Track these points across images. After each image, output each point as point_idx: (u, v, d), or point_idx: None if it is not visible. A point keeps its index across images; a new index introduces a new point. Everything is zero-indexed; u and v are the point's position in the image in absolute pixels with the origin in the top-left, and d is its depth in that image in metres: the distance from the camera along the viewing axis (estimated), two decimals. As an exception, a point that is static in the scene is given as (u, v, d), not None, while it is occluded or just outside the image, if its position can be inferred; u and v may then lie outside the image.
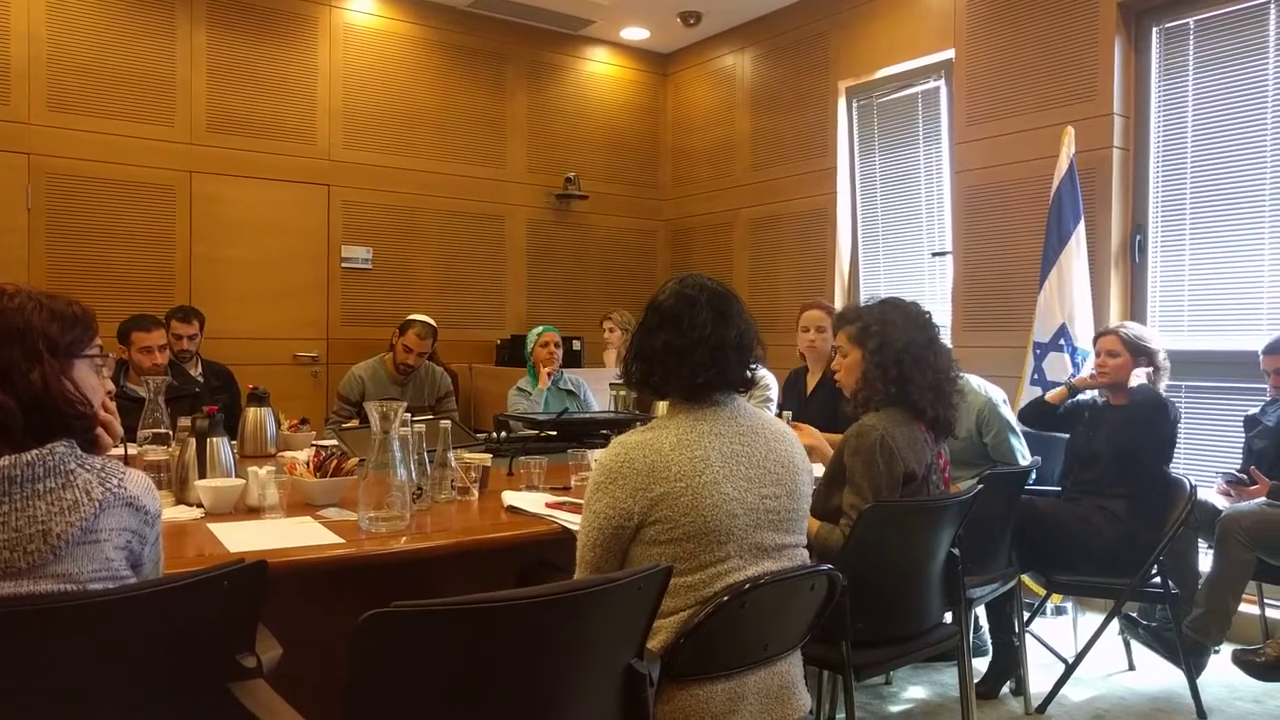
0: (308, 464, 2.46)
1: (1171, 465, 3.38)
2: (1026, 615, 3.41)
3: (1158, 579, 3.13)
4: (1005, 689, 3.30)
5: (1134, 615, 3.51)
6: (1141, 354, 3.39)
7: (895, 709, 3.26)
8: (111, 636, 1.30)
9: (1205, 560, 3.35)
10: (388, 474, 2.10)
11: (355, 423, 4.01)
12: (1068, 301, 4.18)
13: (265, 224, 5.59)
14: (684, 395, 1.83)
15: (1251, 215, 4.06)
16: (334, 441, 3.17)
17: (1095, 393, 3.57)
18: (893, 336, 2.48)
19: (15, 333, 1.36)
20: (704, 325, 1.81)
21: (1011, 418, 3.52)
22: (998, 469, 3.37)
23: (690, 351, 1.80)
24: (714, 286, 1.88)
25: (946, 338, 3.98)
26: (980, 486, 2.56)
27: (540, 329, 4.69)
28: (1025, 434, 3.59)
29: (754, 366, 1.89)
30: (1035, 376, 4.25)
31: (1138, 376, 3.43)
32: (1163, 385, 3.44)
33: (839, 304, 5.60)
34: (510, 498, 2.47)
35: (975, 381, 3.52)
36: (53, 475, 1.33)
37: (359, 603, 1.30)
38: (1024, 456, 3.45)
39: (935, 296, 5.22)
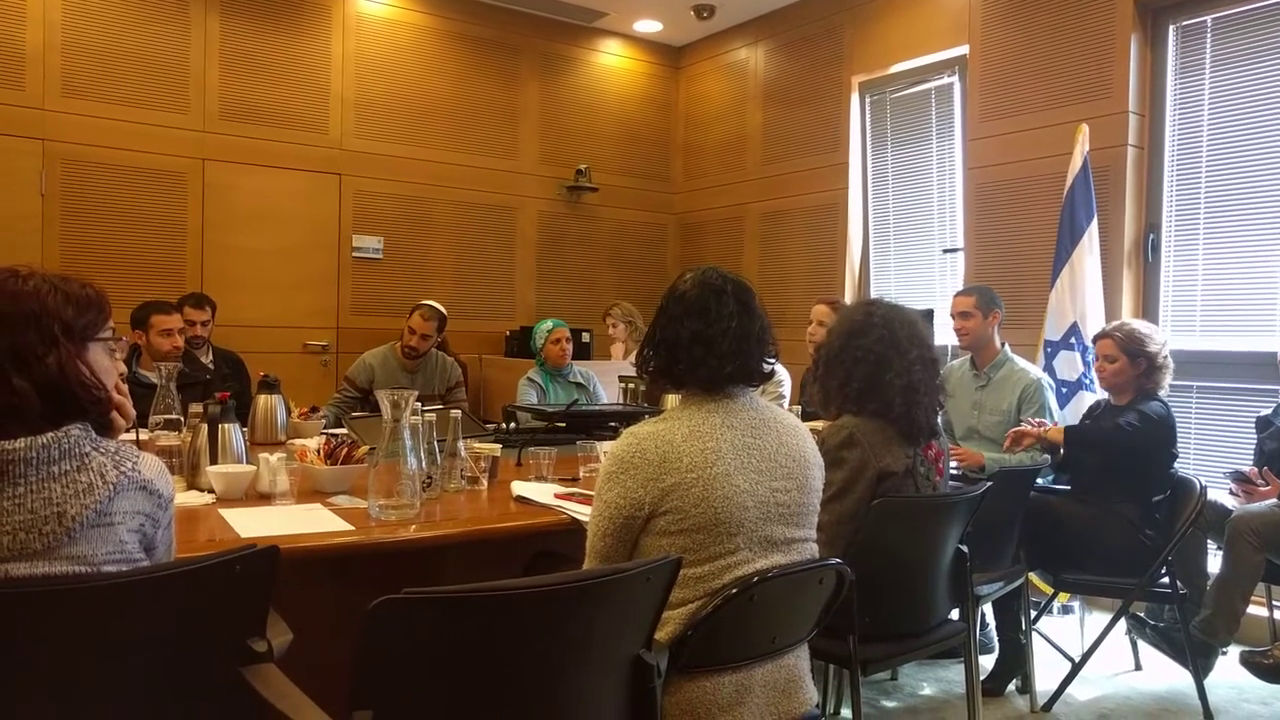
0: (318, 451, 2.47)
1: (1180, 466, 3.37)
2: (1034, 613, 3.40)
3: (1166, 579, 3.12)
4: (1011, 687, 3.30)
5: (1141, 615, 3.50)
6: (1140, 356, 3.34)
7: (901, 705, 3.26)
8: (124, 619, 1.30)
9: (1214, 561, 3.34)
10: (398, 462, 2.11)
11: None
12: (1079, 300, 4.16)
13: (277, 212, 5.60)
14: (707, 385, 1.83)
15: (1266, 215, 4.03)
16: (344, 430, 3.19)
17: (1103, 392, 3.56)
18: (829, 340, 2.58)
19: (30, 316, 1.36)
20: (731, 316, 1.82)
21: (1054, 405, 3.52)
22: (1007, 466, 3.37)
23: (718, 341, 1.80)
24: (735, 278, 1.89)
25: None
26: (989, 484, 2.56)
27: (550, 324, 4.68)
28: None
29: (772, 360, 1.89)
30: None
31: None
32: (1165, 384, 3.39)
33: (849, 300, 5.59)
34: (519, 488, 2.48)
35: (1025, 364, 3.62)
36: (68, 458, 1.33)
37: (368, 589, 1.31)
38: None
39: (946, 294, 5.20)
